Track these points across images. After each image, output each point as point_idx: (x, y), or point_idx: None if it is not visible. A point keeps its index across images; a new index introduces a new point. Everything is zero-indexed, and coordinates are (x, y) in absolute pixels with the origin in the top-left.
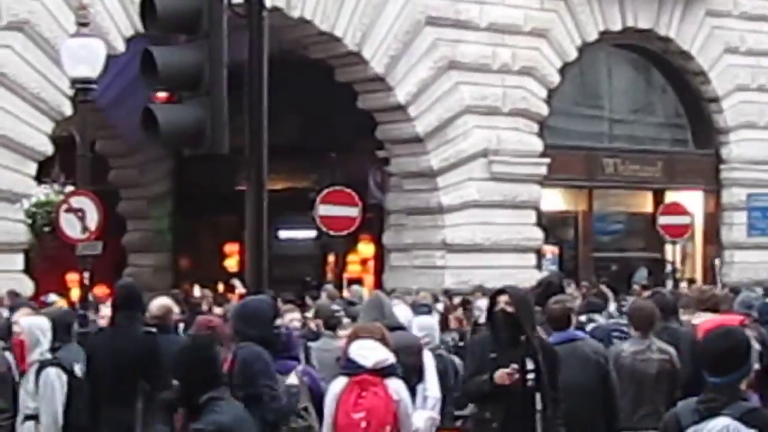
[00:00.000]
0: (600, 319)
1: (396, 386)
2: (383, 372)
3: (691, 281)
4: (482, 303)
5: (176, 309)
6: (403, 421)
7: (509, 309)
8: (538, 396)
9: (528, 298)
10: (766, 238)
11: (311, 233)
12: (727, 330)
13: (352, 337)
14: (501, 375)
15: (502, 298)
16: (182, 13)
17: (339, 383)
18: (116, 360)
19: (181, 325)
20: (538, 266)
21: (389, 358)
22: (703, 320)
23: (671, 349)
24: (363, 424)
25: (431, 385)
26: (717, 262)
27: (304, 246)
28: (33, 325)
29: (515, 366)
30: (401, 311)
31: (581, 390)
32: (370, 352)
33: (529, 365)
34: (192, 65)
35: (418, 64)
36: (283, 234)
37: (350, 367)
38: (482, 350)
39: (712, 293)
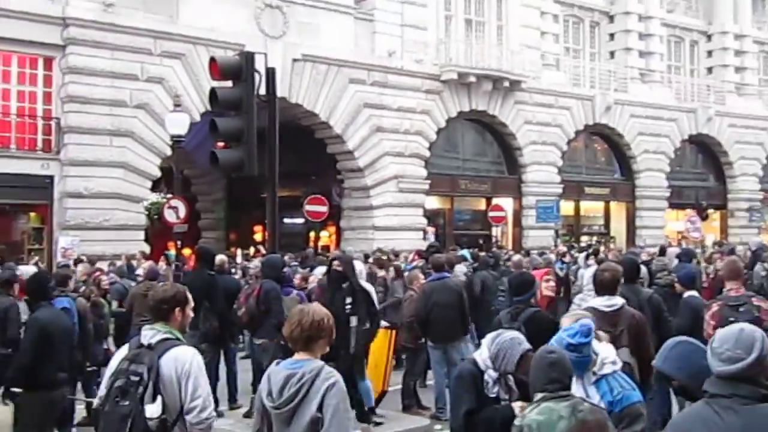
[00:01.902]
0: (461, 267)
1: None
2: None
3: (500, 247)
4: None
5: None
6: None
7: (339, 268)
8: (353, 318)
9: (351, 261)
10: (545, 224)
11: (301, 220)
12: (525, 272)
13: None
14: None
15: (335, 262)
16: (231, 99)
17: None
18: (191, 285)
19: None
20: (424, 239)
21: (371, 289)
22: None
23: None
24: None
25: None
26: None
27: (297, 227)
28: None
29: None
30: (357, 266)
31: (447, 305)
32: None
33: (348, 300)
34: (237, 128)
35: (360, 129)
36: (286, 221)
37: None
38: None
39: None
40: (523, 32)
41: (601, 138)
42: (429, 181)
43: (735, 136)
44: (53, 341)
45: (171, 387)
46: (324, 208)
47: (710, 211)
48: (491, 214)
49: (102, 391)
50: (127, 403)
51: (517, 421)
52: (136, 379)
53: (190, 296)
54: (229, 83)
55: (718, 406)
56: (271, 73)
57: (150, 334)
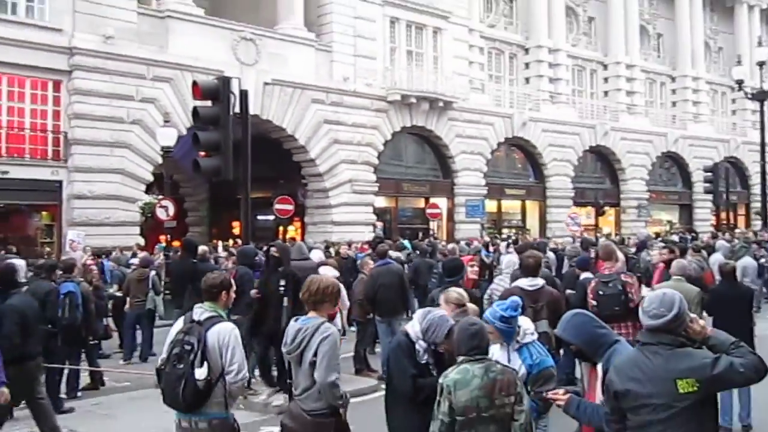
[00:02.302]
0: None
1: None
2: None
3: (436, 238)
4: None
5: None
6: (342, 302)
7: (276, 254)
8: (285, 299)
9: (287, 248)
10: (473, 219)
11: (271, 217)
12: (455, 258)
13: (319, 265)
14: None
15: (273, 249)
16: (210, 116)
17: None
18: (176, 273)
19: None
20: (373, 232)
21: (337, 275)
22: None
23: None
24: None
25: None
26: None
27: (269, 223)
28: None
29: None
30: (316, 253)
31: (390, 286)
32: (328, 271)
33: (282, 283)
34: (215, 140)
35: (320, 141)
36: (260, 217)
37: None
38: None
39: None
40: (455, 62)
41: (518, 148)
42: (378, 184)
43: (626, 147)
44: (30, 322)
45: (214, 354)
46: (290, 207)
47: (606, 208)
48: (429, 211)
49: (163, 355)
50: (181, 366)
51: (440, 380)
52: (189, 348)
53: (233, 282)
54: (209, 103)
55: (648, 351)
56: (243, 95)
57: (200, 311)
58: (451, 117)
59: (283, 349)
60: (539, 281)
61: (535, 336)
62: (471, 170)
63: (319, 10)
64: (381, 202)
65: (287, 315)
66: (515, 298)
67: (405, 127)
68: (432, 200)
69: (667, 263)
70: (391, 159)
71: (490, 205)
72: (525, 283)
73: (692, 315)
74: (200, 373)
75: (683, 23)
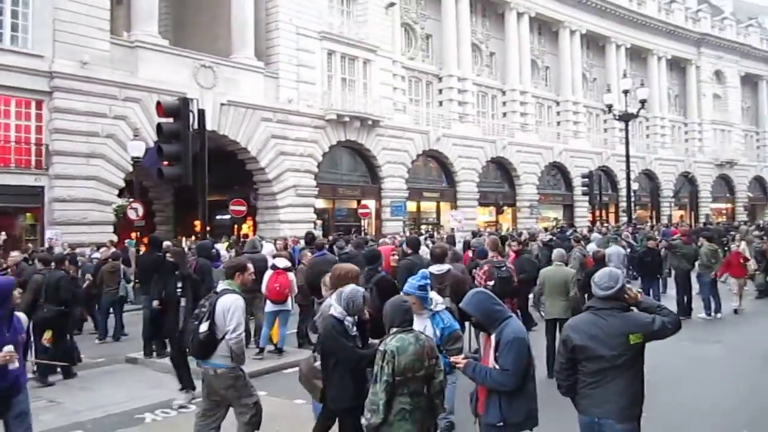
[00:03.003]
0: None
1: (291, 276)
2: (285, 269)
3: (366, 233)
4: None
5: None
6: (292, 288)
7: (172, 258)
8: (183, 299)
9: (181, 252)
10: (397, 217)
11: (228, 216)
12: (374, 249)
13: (274, 257)
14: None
15: (168, 254)
16: (172, 131)
17: (270, 272)
18: (144, 266)
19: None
20: (314, 228)
21: (288, 264)
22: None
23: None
24: (277, 287)
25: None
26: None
27: (225, 222)
28: None
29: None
30: (268, 247)
31: (325, 271)
32: (282, 262)
33: (179, 285)
34: (176, 151)
35: (269, 152)
36: (218, 217)
37: (274, 267)
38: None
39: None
40: (381, 87)
41: (433, 159)
42: (317, 189)
43: (521, 158)
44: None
45: (220, 317)
46: (244, 208)
47: (505, 208)
48: (360, 211)
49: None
50: (196, 322)
51: (381, 347)
52: (204, 310)
53: (249, 265)
54: (171, 120)
55: (603, 314)
56: (201, 113)
57: (221, 286)
58: (379, 133)
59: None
60: (445, 266)
61: (443, 306)
62: (395, 177)
63: (267, 43)
64: (320, 203)
65: (185, 315)
66: (424, 271)
67: (340, 141)
68: (363, 202)
69: (518, 253)
70: (329, 167)
71: (411, 206)
72: (434, 268)
73: (627, 286)
74: (202, 327)
75: (565, 58)
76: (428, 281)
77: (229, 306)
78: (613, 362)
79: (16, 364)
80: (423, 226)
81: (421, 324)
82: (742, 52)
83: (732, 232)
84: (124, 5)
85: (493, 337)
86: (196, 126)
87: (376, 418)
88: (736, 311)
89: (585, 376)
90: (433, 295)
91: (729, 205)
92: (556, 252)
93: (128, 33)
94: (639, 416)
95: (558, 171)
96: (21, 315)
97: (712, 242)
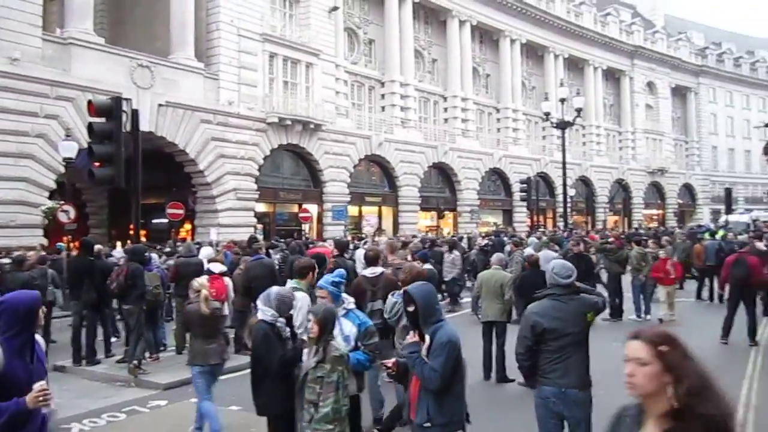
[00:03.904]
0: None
1: (227, 281)
2: (221, 274)
3: (308, 238)
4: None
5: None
6: (228, 293)
7: (125, 267)
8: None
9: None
10: (338, 222)
11: (165, 220)
12: (318, 254)
13: (210, 261)
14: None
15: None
16: (104, 131)
17: (204, 277)
18: (74, 269)
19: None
20: (255, 233)
21: (224, 269)
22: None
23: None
24: (213, 292)
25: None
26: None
27: (163, 225)
28: None
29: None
30: (206, 251)
31: (263, 277)
32: (217, 267)
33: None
34: (108, 152)
35: (208, 155)
36: (155, 220)
37: (209, 272)
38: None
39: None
40: (324, 91)
41: (376, 164)
42: (258, 193)
43: (462, 163)
44: None
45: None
46: (181, 211)
47: (446, 212)
48: (301, 215)
49: None
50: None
51: (335, 353)
52: (351, 307)
53: (315, 265)
54: (103, 120)
55: (561, 299)
56: (135, 113)
57: (289, 284)
58: (321, 137)
59: (386, 316)
60: (378, 269)
61: (354, 305)
62: (337, 181)
63: (208, 44)
64: (261, 207)
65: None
66: (341, 270)
67: (282, 144)
68: (304, 206)
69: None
70: (270, 171)
71: (353, 210)
72: (368, 271)
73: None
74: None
75: (506, 66)
76: (343, 280)
77: (298, 303)
78: (576, 338)
79: (51, 406)
80: (364, 230)
81: (336, 322)
82: (673, 65)
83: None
84: (58, 1)
85: (427, 336)
86: (129, 126)
87: (345, 426)
88: (661, 320)
89: (549, 354)
90: (344, 295)
91: (660, 211)
92: (496, 256)
93: (61, 30)
94: (591, 384)
95: (498, 177)
96: (40, 339)
97: (641, 246)
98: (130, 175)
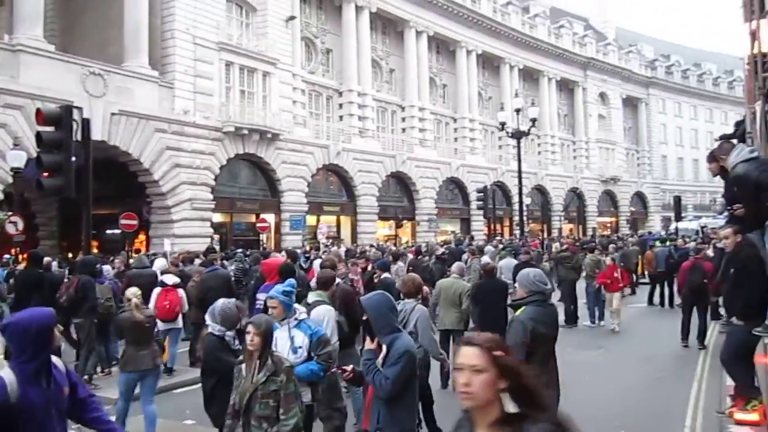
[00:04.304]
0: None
1: (181, 293)
2: (175, 286)
3: (265, 248)
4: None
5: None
6: (183, 305)
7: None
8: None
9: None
10: (296, 231)
11: (119, 231)
12: (287, 264)
13: (163, 273)
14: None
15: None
16: (53, 140)
17: (157, 290)
18: (22, 282)
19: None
20: (211, 243)
21: (178, 280)
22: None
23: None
24: (167, 305)
25: None
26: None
27: (116, 236)
28: None
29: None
30: (160, 262)
31: (218, 288)
32: (170, 279)
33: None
34: (57, 162)
35: (163, 165)
36: (108, 231)
37: (163, 284)
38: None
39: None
40: (281, 100)
41: (334, 173)
42: (214, 202)
43: (419, 173)
44: None
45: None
46: (135, 222)
47: (404, 221)
48: (259, 225)
49: None
50: None
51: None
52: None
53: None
54: (52, 128)
55: (544, 304)
56: (86, 122)
57: (312, 296)
58: (278, 146)
59: None
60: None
61: (306, 315)
62: (295, 191)
63: (163, 52)
64: (218, 217)
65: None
66: (291, 280)
67: (238, 153)
68: (262, 216)
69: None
70: (227, 180)
71: (311, 220)
72: None
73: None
74: None
75: (462, 77)
76: (294, 289)
77: (323, 316)
78: (553, 344)
79: None
80: (322, 240)
81: (284, 333)
82: (624, 76)
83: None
84: (6, 6)
85: (384, 346)
86: (80, 135)
87: None
88: (614, 330)
89: (535, 365)
90: (296, 305)
91: (613, 219)
92: (456, 265)
93: (10, 36)
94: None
95: (455, 186)
96: (58, 361)
97: (593, 253)
98: (80, 186)
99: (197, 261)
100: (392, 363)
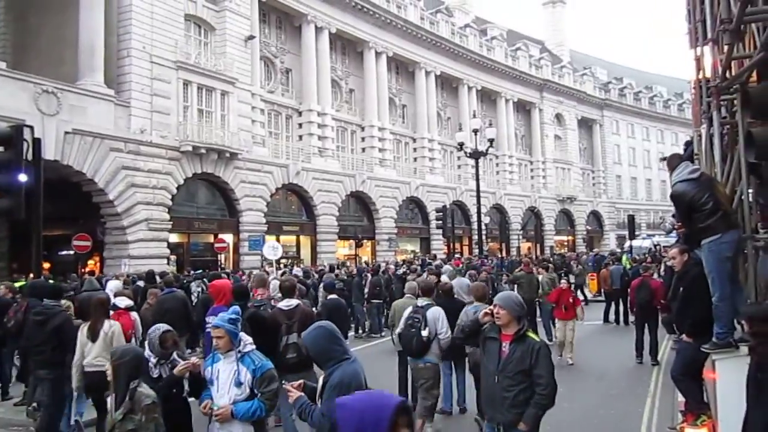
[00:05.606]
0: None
1: (135, 316)
2: (127, 309)
3: (224, 269)
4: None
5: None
6: (136, 328)
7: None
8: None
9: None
10: (255, 251)
11: (72, 252)
12: (243, 285)
13: (117, 295)
14: None
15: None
16: (2, 161)
17: (110, 313)
18: None
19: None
20: (168, 264)
21: (131, 303)
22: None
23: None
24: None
25: None
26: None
27: (69, 257)
28: None
29: None
30: (113, 284)
31: (175, 309)
32: (123, 301)
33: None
34: (6, 183)
35: (118, 185)
36: (61, 253)
37: (115, 307)
38: None
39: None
40: (240, 120)
41: (293, 192)
42: (171, 223)
43: (379, 192)
44: None
45: (432, 324)
46: (88, 243)
47: (365, 241)
48: (217, 245)
49: (401, 325)
50: (413, 330)
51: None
52: (417, 320)
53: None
54: (2, 148)
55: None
56: (36, 142)
57: (421, 302)
58: (237, 166)
59: (398, 330)
60: (294, 302)
61: (254, 347)
62: (254, 210)
63: (119, 70)
64: (174, 237)
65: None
66: (235, 307)
67: (196, 173)
68: (220, 236)
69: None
70: (184, 200)
71: (270, 239)
72: (283, 304)
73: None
74: (425, 332)
75: (421, 97)
76: (239, 317)
77: (438, 315)
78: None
79: None
80: (282, 261)
81: (229, 366)
82: (579, 98)
83: (572, 263)
84: None
85: (321, 377)
86: (31, 155)
87: None
88: (570, 363)
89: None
90: (242, 335)
91: (570, 237)
92: (408, 285)
93: None
94: None
95: (415, 205)
96: None
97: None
98: (30, 207)
99: (140, 282)
100: (326, 396)
